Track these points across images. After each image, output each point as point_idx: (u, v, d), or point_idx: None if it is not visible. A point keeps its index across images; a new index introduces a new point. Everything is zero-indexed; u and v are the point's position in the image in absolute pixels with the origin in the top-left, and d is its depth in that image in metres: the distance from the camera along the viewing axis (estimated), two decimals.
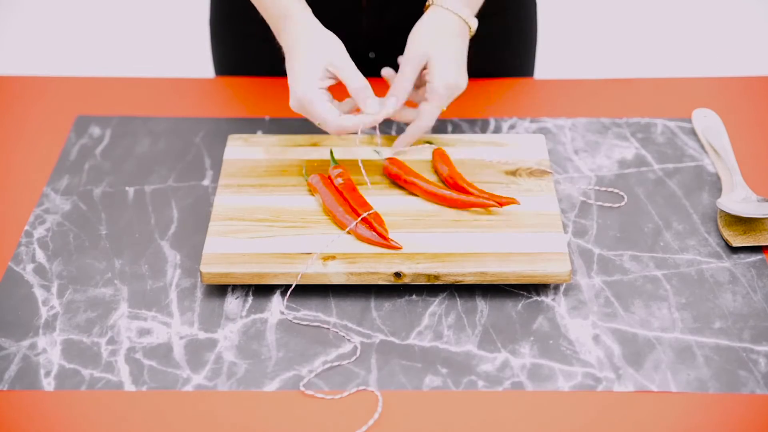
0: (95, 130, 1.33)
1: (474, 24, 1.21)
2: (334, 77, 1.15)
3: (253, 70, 1.44)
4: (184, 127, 1.33)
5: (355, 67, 1.14)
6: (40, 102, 1.40)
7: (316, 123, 1.16)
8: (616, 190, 1.21)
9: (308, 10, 1.18)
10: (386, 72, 1.26)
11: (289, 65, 1.16)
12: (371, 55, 1.43)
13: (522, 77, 1.46)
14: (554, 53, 2.79)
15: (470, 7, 1.21)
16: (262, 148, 1.25)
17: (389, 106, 1.16)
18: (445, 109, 1.20)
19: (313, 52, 1.14)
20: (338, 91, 1.18)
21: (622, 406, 0.96)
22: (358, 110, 1.18)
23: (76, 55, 2.87)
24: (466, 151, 1.23)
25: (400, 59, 1.21)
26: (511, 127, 1.33)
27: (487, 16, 1.30)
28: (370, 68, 1.44)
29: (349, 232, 1.10)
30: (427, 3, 1.22)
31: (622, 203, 1.19)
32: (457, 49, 1.19)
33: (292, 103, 1.15)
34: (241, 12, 1.42)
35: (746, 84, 1.45)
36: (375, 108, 1.14)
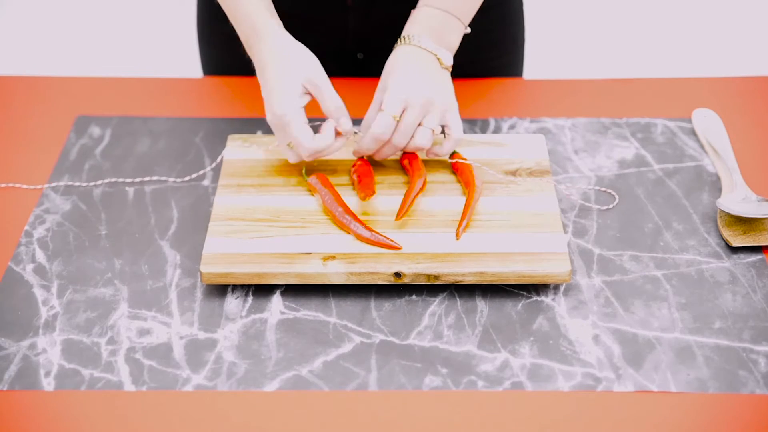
0: (95, 130, 1.33)
1: (446, 58, 1.18)
2: (310, 94, 1.14)
3: (241, 71, 1.44)
4: (184, 127, 1.33)
5: (331, 86, 1.13)
6: (40, 102, 1.40)
7: (285, 143, 1.14)
8: (609, 190, 1.21)
9: (281, 25, 1.16)
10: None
11: (263, 80, 1.14)
12: (359, 55, 1.43)
13: (510, 77, 1.46)
14: (553, 53, 2.80)
15: (438, 41, 1.18)
16: (262, 148, 1.25)
17: (346, 127, 1.14)
18: (417, 121, 1.15)
19: (290, 68, 1.13)
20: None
21: (622, 406, 0.96)
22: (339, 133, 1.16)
23: (76, 55, 2.87)
24: (466, 151, 1.23)
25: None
26: (511, 127, 1.33)
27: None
28: (359, 69, 1.44)
29: (349, 232, 1.10)
30: (396, 44, 1.20)
31: (613, 205, 1.19)
32: (417, 68, 1.16)
33: (269, 118, 1.13)
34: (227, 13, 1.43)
35: (746, 84, 1.45)
36: (349, 127, 1.14)
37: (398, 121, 1.14)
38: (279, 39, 1.15)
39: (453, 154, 1.21)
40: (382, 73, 1.18)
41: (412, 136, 1.16)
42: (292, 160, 1.17)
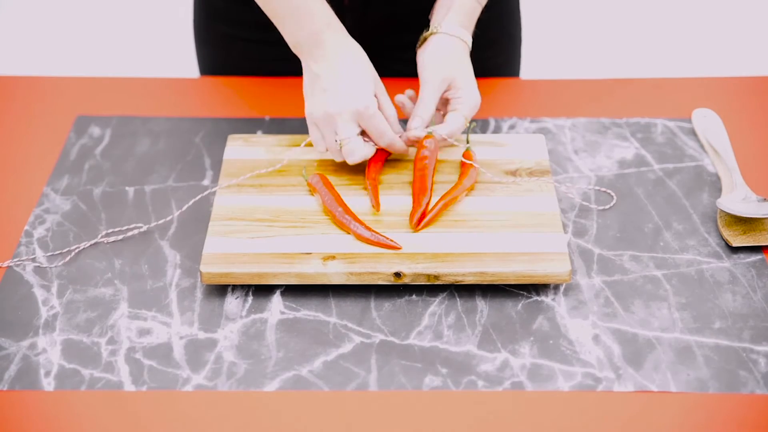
0: (95, 130, 1.33)
1: (470, 43, 1.23)
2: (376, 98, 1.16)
3: (237, 70, 1.44)
4: (184, 127, 1.33)
5: (388, 95, 1.18)
6: (40, 102, 1.40)
7: (346, 137, 1.14)
8: (607, 191, 1.21)
9: (344, 27, 1.19)
10: (400, 98, 1.25)
11: (333, 71, 1.13)
12: None
13: (508, 77, 1.47)
14: (550, 52, 2.80)
15: (467, 29, 1.23)
16: (262, 148, 1.25)
17: (416, 125, 1.19)
18: (466, 124, 1.21)
19: (365, 66, 1.15)
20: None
21: (622, 406, 0.96)
22: None
23: (76, 55, 2.87)
24: None
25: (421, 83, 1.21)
26: (511, 127, 1.33)
27: None
28: None
29: (349, 232, 1.10)
30: (429, 31, 1.22)
31: (610, 204, 1.19)
32: (471, 67, 1.22)
33: (337, 108, 1.12)
34: (223, 14, 1.42)
35: (746, 84, 1.45)
36: (418, 126, 1.19)
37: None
38: (348, 35, 1.17)
39: (465, 151, 1.21)
40: (428, 60, 1.20)
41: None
42: (339, 158, 1.18)
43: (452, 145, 1.24)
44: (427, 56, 1.21)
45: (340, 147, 1.15)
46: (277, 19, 1.17)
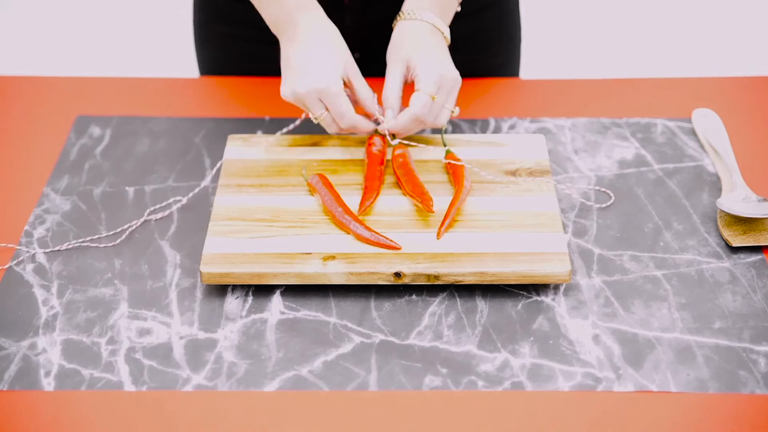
0: (95, 130, 1.33)
1: (446, 32, 1.22)
2: (346, 80, 1.17)
3: (237, 71, 1.44)
4: (184, 127, 1.33)
5: (363, 78, 1.18)
6: (40, 102, 1.40)
7: (320, 114, 1.16)
8: (606, 191, 1.21)
9: (321, 7, 1.20)
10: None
11: (302, 50, 1.16)
12: (356, 55, 1.43)
13: (508, 77, 1.46)
14: (550, 53, 2.80)
15: (433, 11, 1.21)
16: (262, 148, 1.25)
17: (389, 118, 1.19)
18: (444, 102, 1.18)
19: (336, 48, 1.17)
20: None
21: (622, 406, 0.96)
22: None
23: (76, 55, 2.87)
24: (466, 150, 1.23)
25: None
26: (511, 127, 1.33)
27: (467, 15, 1.31)
28: None
29: (349, 233, 1.10)
30: (394, 21, 1.23)
31: (609, 203, 1.19)
32: (436, 45, 1.20)
33: (304, 88, 1.15)
34: (223, 14, 1.43)
35: (746, 84, 1.45)
36: (390, 117, 1.18)
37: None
38: (324, 16, 1.18)
39: (447, 154, 1.21)
40: (391, 45, 1.20)
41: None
42: (332, 130, 1.19)
43: (425, 141, 1.24)
44: (389, 44, 1.21)
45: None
46: (256, 1, 1.20)
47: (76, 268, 1.11)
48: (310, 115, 1.19)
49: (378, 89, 1.22)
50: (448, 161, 1.20)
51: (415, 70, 1.18)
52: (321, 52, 1.16)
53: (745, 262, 1.11)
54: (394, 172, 1.19)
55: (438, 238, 1.10)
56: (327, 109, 1.17)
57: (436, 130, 1.28)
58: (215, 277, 1.06)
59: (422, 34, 1.20)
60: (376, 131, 1.22)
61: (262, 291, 1.08)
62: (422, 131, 1.28)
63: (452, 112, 1.20)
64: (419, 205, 1.14)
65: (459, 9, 1.26)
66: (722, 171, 1.23)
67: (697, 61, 2.81)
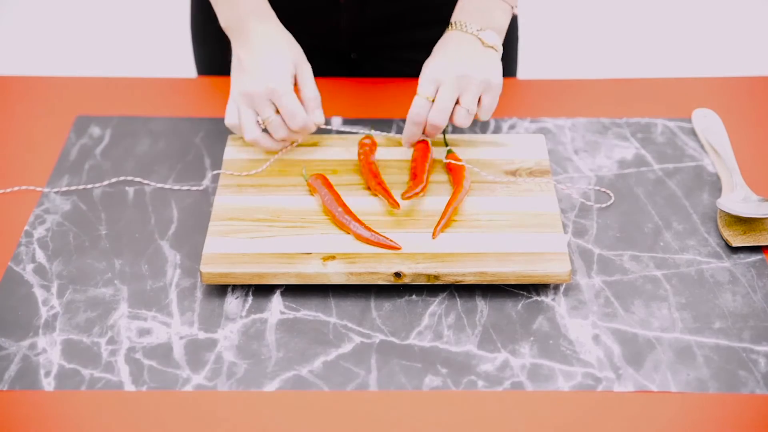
0: (95, 130, 1.33)
1: (488, 38, 1.18)
2: (294, 79, 1.18)
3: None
4: (184, 127, 1.33)
5: (312, 75, 1.19)
6: (40, 102, 1.40)
7: (268, 117, 1.17)
8: (606, 191, 1.21)
9: (274, 14, 1.20)
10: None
11: (251, 53, 1.17)
12: (353, 55, 1.43)
13: (507, 77, 1.46)
14: (548, 53, 2.80)
15: (486, 25, 1.18)
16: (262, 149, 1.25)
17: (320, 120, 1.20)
18: (463, 102, 1.16)
19: (284, 47, 1.18)
20: None
21: (622, 406, 0.96)
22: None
23: (76, 55, 2.87)
24: (466, 151, 1.23)
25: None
26: (511, 127, 1.33)
27: None
28: (352, 69, 1.44)
29: (349, 232, 1.10)
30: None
31: (609, 203, 1.19)
32: (453, 48, 1.18)
33: (253, 89, 1.16)
34: None
35: (746, 84, 1.45)
36: (322, 120, 1.20)
37: (433, 100, 1.16)
38: (273, 20, 1.19)
39: (448, 154, 1.21)
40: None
41: (452, 115, 1.17)
42: (267, 144, 1.20)
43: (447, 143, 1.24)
44: None
45: (264, 128, 1.18)
46: (212, 0, 1.22)
47: (76, 268, 1.11)
48: (258, 119, 1.18)
49: (375, 89, 1.22)
50: (449, 161, 1.20)
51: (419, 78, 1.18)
52: (270, 54, 1.17)
53: (745, 262, 1.11)
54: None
55: (433, 238, 1.10)
56: (277, 112, 1.17)
57: (458, 130, 1.28)
58: (215, 277, 1.06)
59: (448, 43, 1.18)
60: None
61: (262, 291, 1.08)
62: (445, 131, 1.26)
63: (468, 111, 1.17)
64: (387, 200, 1.14)
65: (516, 12, 1.23)
66: (722, 171, 1.23)
67: (697, 61, 2.81)
